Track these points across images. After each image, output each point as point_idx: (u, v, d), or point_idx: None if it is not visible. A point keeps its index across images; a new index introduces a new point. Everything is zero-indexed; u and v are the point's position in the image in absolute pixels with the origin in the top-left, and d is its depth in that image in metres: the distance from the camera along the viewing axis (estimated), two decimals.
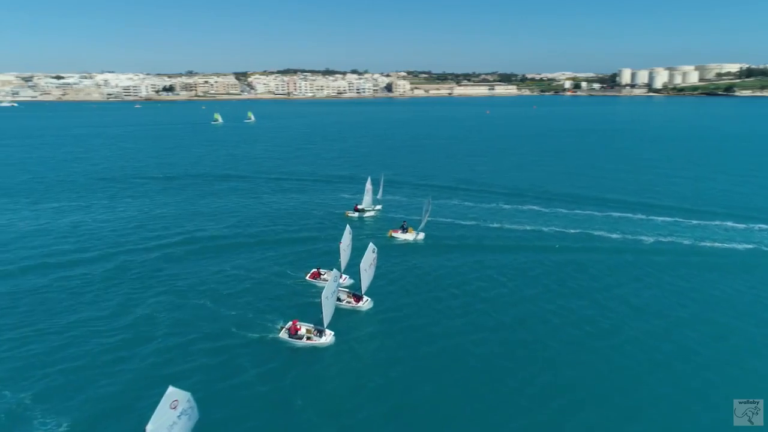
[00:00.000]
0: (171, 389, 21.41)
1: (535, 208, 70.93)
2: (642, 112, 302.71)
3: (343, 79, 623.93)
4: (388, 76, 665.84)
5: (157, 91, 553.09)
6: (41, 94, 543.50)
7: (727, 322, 38.90)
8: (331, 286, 36.05)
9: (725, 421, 27.50)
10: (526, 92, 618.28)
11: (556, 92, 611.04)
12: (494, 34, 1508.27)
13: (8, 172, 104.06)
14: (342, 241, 45.38)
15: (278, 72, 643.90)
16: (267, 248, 55.18)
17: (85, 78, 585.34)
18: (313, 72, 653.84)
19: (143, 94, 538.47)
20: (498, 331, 37.47)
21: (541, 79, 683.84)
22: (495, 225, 62.85)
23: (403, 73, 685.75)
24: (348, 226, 46.56)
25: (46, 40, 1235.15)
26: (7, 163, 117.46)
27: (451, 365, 33.26)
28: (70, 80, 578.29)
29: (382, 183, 72.79)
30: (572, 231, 59.82)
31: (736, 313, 40.38)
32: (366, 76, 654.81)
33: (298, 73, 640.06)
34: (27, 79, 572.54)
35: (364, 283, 41.34)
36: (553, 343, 35.70)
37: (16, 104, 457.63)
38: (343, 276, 45.90)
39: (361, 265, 40.61)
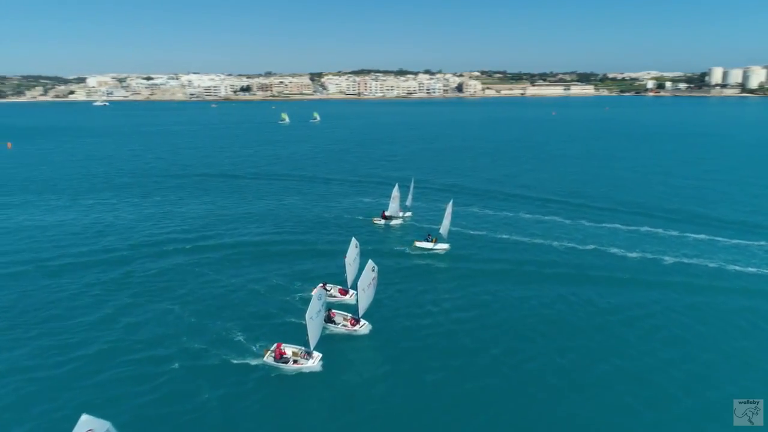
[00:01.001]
0: (84, 417, 19.55)
1: (557, 218, 66.26)
2: (729, 115, 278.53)
3: (414, 79, 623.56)
4: (460, 76, 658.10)
5: (235, 91, 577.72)
6: (132, 94, 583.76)
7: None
8: (315, 305, 33.45)
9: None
10: (604, 92, 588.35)
11: (637, 92, 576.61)
12: (574, 31, 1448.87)
13: (67, 167, 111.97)
14: (347, 255, 42.49)
15: (351, 72, 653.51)
16: (277, 257, 53.25)
17: (172, 79, 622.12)
18: (386, 72, 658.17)
19: (222, 93, 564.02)
20: (495, 371, 33.21)
21: (623, 79, 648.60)
22: (517, 238, 58.52)
23: (477, 73, 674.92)
24: (354, 239, 43.29)
25: (140, 44, 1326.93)
26: (71, 159, 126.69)
27: (442, 403, 30.07)
28: (158, 81, 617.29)
29: (411, 188, 69.04)
30: (587, 247, 54.74)
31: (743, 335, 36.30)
32: (438, 76, 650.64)
33: (371, 73, 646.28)
34: (121, 80, 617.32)
35: (362, 305, 38.02)
36: (554, 381, 32.15)
37: (107, 104, 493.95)
38: (351, 291, 43.39)
39: (359, 284, 37.54)
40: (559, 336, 37.29)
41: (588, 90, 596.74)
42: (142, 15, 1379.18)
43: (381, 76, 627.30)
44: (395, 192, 64.60)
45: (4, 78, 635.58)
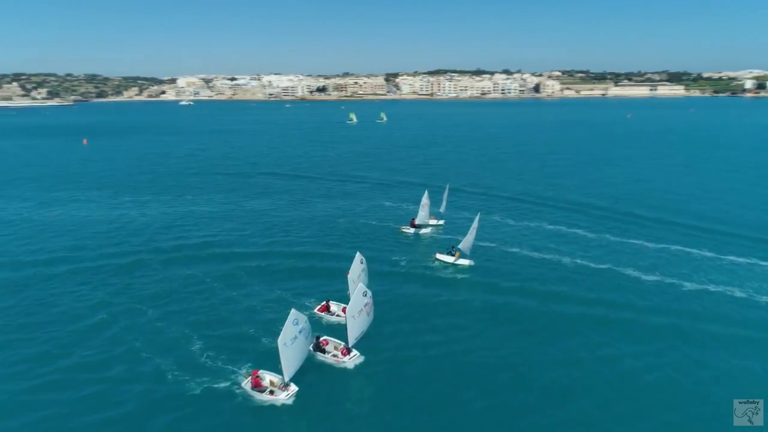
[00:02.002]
0: None
1: (580, 232, 61.25)
2: None
3: (489, 79, 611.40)
4: (539, 76, 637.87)
5: (311, 92, 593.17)
6: (216, 94, 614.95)
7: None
8: (290, 330, 30.06)
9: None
10: (695, 93, 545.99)
11: (733, 93, 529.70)
12: (667, 27, 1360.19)
13: (123, 164, 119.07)
14: (350, 271, 39.46)
15: (427, 73, 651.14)
16: (286, 267, 50.37)
17: (254, 80, 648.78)
18: (462, 72, 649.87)
19: (299, 94, 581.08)
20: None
21: (720, 78, 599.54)
22: (540, 255, 53.47)
23: (557, 73, 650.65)
24: (358, 253, 40.27)
25: (226, 46, 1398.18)
26: (131, 156, 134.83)
27: None
28: (241, 81, 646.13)
29: (446, 195, 65.08)
30: (600, 266, 49.66)
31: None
32: (515, 76, 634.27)
33: (447, 73, 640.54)
34: (208, 81, 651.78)
35: (352, 334, 34.28)
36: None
37: (191, 103, 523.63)
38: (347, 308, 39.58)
39: (347, 311, 34.04)
40: (553, 390, 31.83)
41: (677, 90, 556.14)
42: (231, 20, 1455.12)
43: (456, 77, 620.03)
44: (425, 199, 61.12)
45: (106, 79, 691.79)
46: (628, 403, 30.18)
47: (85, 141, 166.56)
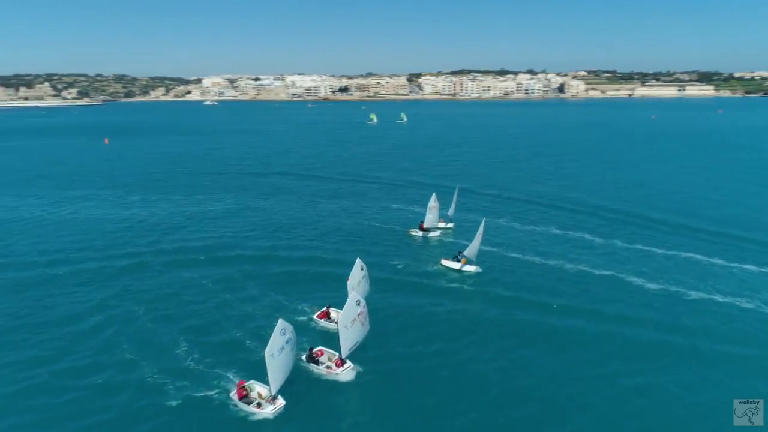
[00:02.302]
0: None
1: (588, 236, 59.32)
2: None
3: (512, 79, 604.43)
4: (564, 76, 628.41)
5: (333, 92, 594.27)
6: (240, 94, 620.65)
7: None
8: (277, 341, 29.14)
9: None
10: (726, 93, 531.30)
11: (765, 93, 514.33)
12: (698, 26, 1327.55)
13: (139, 163, 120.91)
14: (350, 277, 37.85)
15: (450, 73, 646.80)
16: (285, 271, 49.83)
17: (278, 80, 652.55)
18: (485, 72, 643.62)
19: (322, 94, 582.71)
20: None
21: (752, 78, 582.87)
22: (545, 261, 51.80)
23: (583, 73, 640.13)
24: (358, 259, 39.11)
25: (250, 47, 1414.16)
26: (149, 155, 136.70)
27: None
28: (265, 81, 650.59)
29: (455, 197, 63.36)
30: (603, 272, 48.08)
31: None
32: (539, 76, 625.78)
33: (470, 73, 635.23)
34: (232, 81, 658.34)
35: (345, 345, 32.98)
36: None
37: (216, 103, 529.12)
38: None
39: (340, 321, 32.92)
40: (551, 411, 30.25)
41: (706, 91, 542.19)
42: (256, 21, 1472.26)
43: (479, 77, 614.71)
44: (432, 202, 59.72)
45: (134, 79, 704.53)
46: (629, 422, 28.79)
47: (106, 140, 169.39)
